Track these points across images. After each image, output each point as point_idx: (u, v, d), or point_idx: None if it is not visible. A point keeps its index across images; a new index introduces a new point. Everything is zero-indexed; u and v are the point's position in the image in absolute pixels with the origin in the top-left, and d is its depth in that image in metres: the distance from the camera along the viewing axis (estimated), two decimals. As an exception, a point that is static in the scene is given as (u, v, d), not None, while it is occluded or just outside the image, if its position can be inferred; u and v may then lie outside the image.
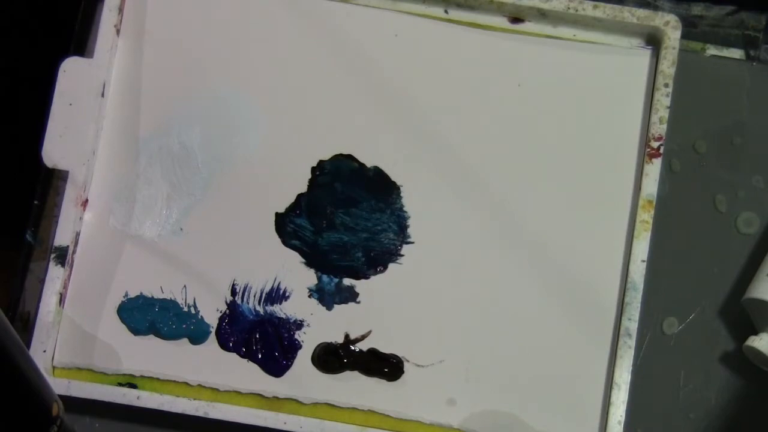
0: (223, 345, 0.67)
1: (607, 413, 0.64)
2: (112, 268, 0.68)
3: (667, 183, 0.69)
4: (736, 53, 0.71)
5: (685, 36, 0.69)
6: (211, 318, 0.67)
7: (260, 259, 0.68)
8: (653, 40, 0.69)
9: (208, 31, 0.70)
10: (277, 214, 0.68)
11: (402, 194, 0.68)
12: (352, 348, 0.67)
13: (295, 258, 0.68)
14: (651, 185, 0.67)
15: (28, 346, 0.66)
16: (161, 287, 0.68)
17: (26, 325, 0.69)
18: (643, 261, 0.66)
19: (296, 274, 0.67)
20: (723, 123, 0.69)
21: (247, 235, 0.68)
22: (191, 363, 0.67)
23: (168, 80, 0.70)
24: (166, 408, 0.65)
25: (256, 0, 0.70)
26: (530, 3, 0.69)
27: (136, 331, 0.67)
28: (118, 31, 0.70)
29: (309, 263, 0.68)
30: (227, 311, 0.67)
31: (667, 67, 0.68)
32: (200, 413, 0.65)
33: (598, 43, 0.70)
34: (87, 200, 0.68)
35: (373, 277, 0.67)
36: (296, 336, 0.67)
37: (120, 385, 0.66)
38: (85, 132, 0.68)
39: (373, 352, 0.67)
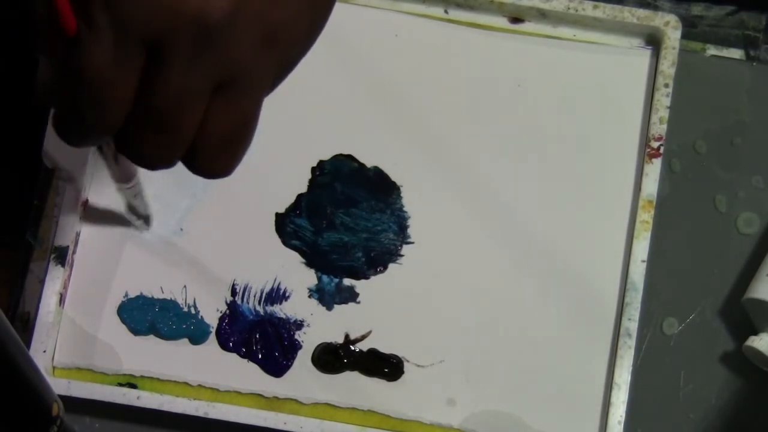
0: (223, 345, 0.67)
1: (607, 413, 0.64)
2: (112, 268, 0.68)
3: (667, 183, 0.69)
4: (736, 53, 0.71)
5: (685, 36, 0.69)
6: (211, 318, 0.67)
7: (260, 259, 0.68)
8: (653, 40, 0.69)
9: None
10: (277, 214, 0.68)
11: (402, 194, 0.68)
12: (352, 348, 0.67)
13: (295, 258, 0.68)
14: (651, 185, 0.67)
15: (28, 346, 0.66)
16: (161, 287, 0.68)
17: (26, 325, 0.69)
18: (643, 261, 0.66)
19: (296, 275, 0.67)
20: (723, 123, 0.69)
21: (247, 235, 0.68)
22: (191, 363, 0.67)
23: (168, 80, 0.70)
24: (166, 408, 0.65)
25: None
26: (530, 3, 0.69)
27: (136, 331, 0.67)
28: (118, 31, 0.70)
29: (309, 263, 0.68)
30: (227, 311, 0.67)
31: (667, 67, 0.68)
32: (200, 413, 0.65)
33: (598, 43, 0.70)
34: (87, 200, 0.68)
35: (373, 277, 0.67)
36: (296, 336, 0.67)
37: (120, 385, 0.66)
38: (85, 132, 0.68)
39: (373, 353, 0.67)
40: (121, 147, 0.49)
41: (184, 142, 0.49)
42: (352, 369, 0.66)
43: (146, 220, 0.67)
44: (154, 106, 0.47)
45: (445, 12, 0.70)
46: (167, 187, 0.69)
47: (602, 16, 0.69)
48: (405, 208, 0.68)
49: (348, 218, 0.68)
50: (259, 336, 0.67)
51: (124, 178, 0.62)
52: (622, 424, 0.64)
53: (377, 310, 0.67)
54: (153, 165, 0.50)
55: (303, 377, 0.66)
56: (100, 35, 0.46)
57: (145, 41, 0.46)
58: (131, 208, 0.66)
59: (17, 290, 0.70)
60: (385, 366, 0.66)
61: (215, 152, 0.50)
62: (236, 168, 0.51)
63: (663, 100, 0.68)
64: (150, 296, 0.68)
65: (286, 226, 0.68)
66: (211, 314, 0.67)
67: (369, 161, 0.69)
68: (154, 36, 0.46)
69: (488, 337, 0.67)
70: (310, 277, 0.68)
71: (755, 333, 0.65)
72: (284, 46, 0.49)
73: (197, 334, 0.67)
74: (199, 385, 0.66)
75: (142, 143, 0.49)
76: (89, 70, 0.46)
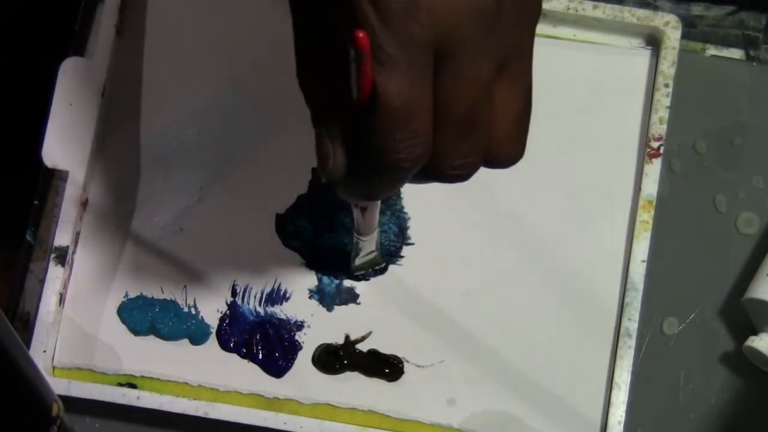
0: (224, 345, 0.67)
1: (607, 413, 0.64)
2: (112, 268, 0.68)
3: (667, 183, 0.69)
4: (736, 53, 0.70)
5: (685, 36, 0.69)
6: (212, 318, 0.67)
7: (261, 259, 0.68)
8: (653, 40, 0.69)
9: (208, 31, 0.70)
10: (277, 214, 0.68)
11: (402, 194, 0.68)
12: (353, 349, 0.67)
13: (295, 259, 0.68)
14: (651, 185, 0.67)
15: (28, 346, 0.66)
16: (161, 287, 0.68)
17: (26, 325, 0.69)
18: (643, 261, 0.66)
19: (296, 275, 0.67)
20: (723, 123, 0.69)
21: (247, 235, 0.68)
22: (191, 363, 0.67)
23: (168, 80, 0.70)
24: (166, 408, 0.65)
25: (257, 0, 0.70)
26: (530, 3, 0.69)
27: (136, 332, 0.67)
28: (118, 31, 0.70)
29: (309, 264, 0.68)
30: (227, 312, 0.67)
31: (667, 67, 0.68)
32: (200, 413, 0.65)
33: (598, 43, 0.70)
34: (87, 200, 0.68)
35: (373, 278, 0.67)
36: (297, 337, 0.67)
37: (120, 385, 0.66)
38: (85, 132, 0.68)
39: (373, 353, 0.66)
40: (429, 172, 0.47)
41: (487, 136, 0.47)
42: (353, 369, 0.66)
43: (376, 264, 0.67)
44: (455, 112, 0.45)
45: (445, 12, 0.70)
46: (168, 187, 0.69)
47: (602, 16, 0.69)
48: (405, 209, 0.68)
49: (348, 219, 0.68)
50: (260, 336, 0.67)
51: (368, 231, 0.61)
52: (622, 424, 0.64)
53: (377, 310, 0.67)
54: (466, 175, 0.48)
55: (303, 378, 0.66)
56: (394, 62, 0.43)
57: (432, 47, 0.44)
58: (361, 252, 0.65)
59: (17, 290, 0.70)
60: (385, 366, 0.66)
61: (511, 135, 0.48)
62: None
63: (663, 100, 0.68)
64: (150, 296, 0.68)
65: (287, 226, 0.68)
66: (212, 314, 0.67)
67: (369, 161, 0.69)
68: (442, 36, 0.44)
69: (488, 337, 0.67)
70: (310, 278, 0.68)
71: (755, 333, 0.65)
72: (534, 14, 0.47)
73: (197, 335, 0.67)
74: (199, 386, 0.66)
75: (452, 156, 0.46)
76: (393, 101, 0.43)
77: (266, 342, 0.67)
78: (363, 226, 0.61)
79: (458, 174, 0.47)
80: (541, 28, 0.70)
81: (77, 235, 0.68)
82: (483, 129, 0.46)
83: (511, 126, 0.47)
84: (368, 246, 0.64)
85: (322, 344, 0.67)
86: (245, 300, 0.67)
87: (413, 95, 0.44)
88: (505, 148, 0.48)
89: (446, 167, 0.47)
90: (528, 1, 0.47)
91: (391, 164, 0.45)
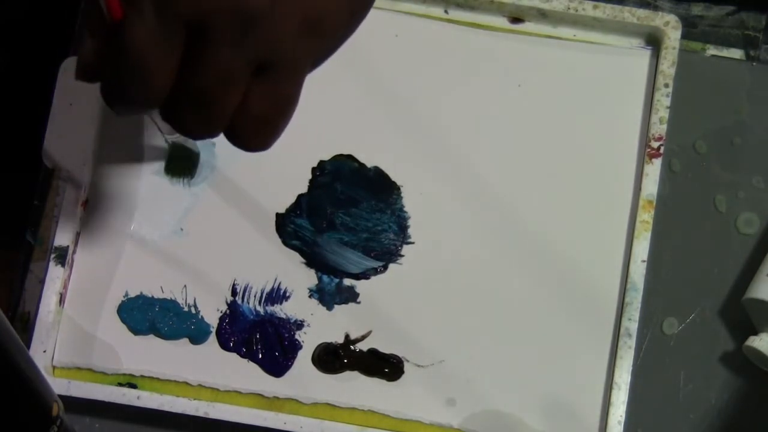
0: (224, 345, 0.67)
1: (607, 413, 0.64)
2: (112, 268, 0.68)
3: (667, 183, 0.69)
4: (736, 53, 0.71)
5: (685, 36, 0.69)
6: (212, 318, 0.67)
7: (260, 259, 0.68)
8: (653, 40, 0.69)
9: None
10: (277, 214, 0.68)
11: (402, 194, 0.68)
12: (353, 348, 0.67)
13: (295, 258, 0.68)
14: (651, 185, 0.67)
15: (28, 346, 0.66)
16: (161, 287, 0.68)
17: (26, 325, 0.69)
18: (643, 261, 0.66)
19: (296, 275, 0.67)
20: (723, 123, 0.69)
21: (247, 235, 0.68)
22: (191, 363, 0.67)
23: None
24: (166, 408, 0.65)
25: None
26: (530, 3, 0.69)
27: (136, 331, 0.67)
28: (118, 31, 0.70)
29: (309, 263, 0.68)
30: (228, 311, 0.67)
31: (667, 67, 0.68)
32: (200, 413, 0.65)
33: (598, 43, 0.70)
34: (87, 200, 0.68)
35: (373, 278, 0.67)
36: (296, 336, 0.67)
37: (120, 385, 0.66)
38: (85, 132, 0.68)
39: (373, 353, 0.67)
40: (166, 117, 0.51)
41: (224, 119, 0.51)
42: (352, 369, 0.66)
43: (196, 158, 0.69)
44: (194, 85, 0.49)
45: (445, 12, 0.70)
46: (167, 187, 0.69)
47: (602, 16, 0.69)
48: (405, 208, 0.68)
49: (348, 218, 0.68)
50: (260, 336, 0.67)
51: (170, 131, 0.64)
52: (622, 424, 0.64)
53: (377, 310, 0.67)
54: (195, 137, 0.52)
55: (303, 377, 0.66)
56: (144, 16, 0.47)
57: (187, 22, 0.48)
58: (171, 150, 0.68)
59: (17, 290, 0.70)
60: (385, 366, 0.66)
61: (253, 130, 0.52)
62: (274, 143, 0.53)
63: (663, 100, 0.68)
64: (150, 296, 0.68)
65: (287, 226, 0.68)
66: (212, 314, 0.67)
67: (369, 161, 0.69)
68: (197, 18, 0.47)
69: (488, 337, 0.67)
70: (310, 277, 0.68)
71: (755, 333, 0.65)
72: (323, 34, 0.51)
73: (197, 334, 0.67)
74: (199, 385, 0.66)
75: (184, 117, 0.51)
76: (132, 49, 0.48)
77: (266, 341, 0.67)
78: (160, 125, 0.64)
79: (189, 134, 0.52)
80: (541, 28, 0.70)
81: (77, 235, 0.68)
82: (222, 109, 0.50)
83: (253, 122, 0.52)
84: (180, 144, 0.67)
85: (322, 343, 0.67)
86: (245, 299, 0.67)
87: (154, 52, 0.48)
88: (242, 135, 0.52)
89: (176, 123, 0.52)
90: (321, 26, 0.50)
91: (120, 93, 0.50)
